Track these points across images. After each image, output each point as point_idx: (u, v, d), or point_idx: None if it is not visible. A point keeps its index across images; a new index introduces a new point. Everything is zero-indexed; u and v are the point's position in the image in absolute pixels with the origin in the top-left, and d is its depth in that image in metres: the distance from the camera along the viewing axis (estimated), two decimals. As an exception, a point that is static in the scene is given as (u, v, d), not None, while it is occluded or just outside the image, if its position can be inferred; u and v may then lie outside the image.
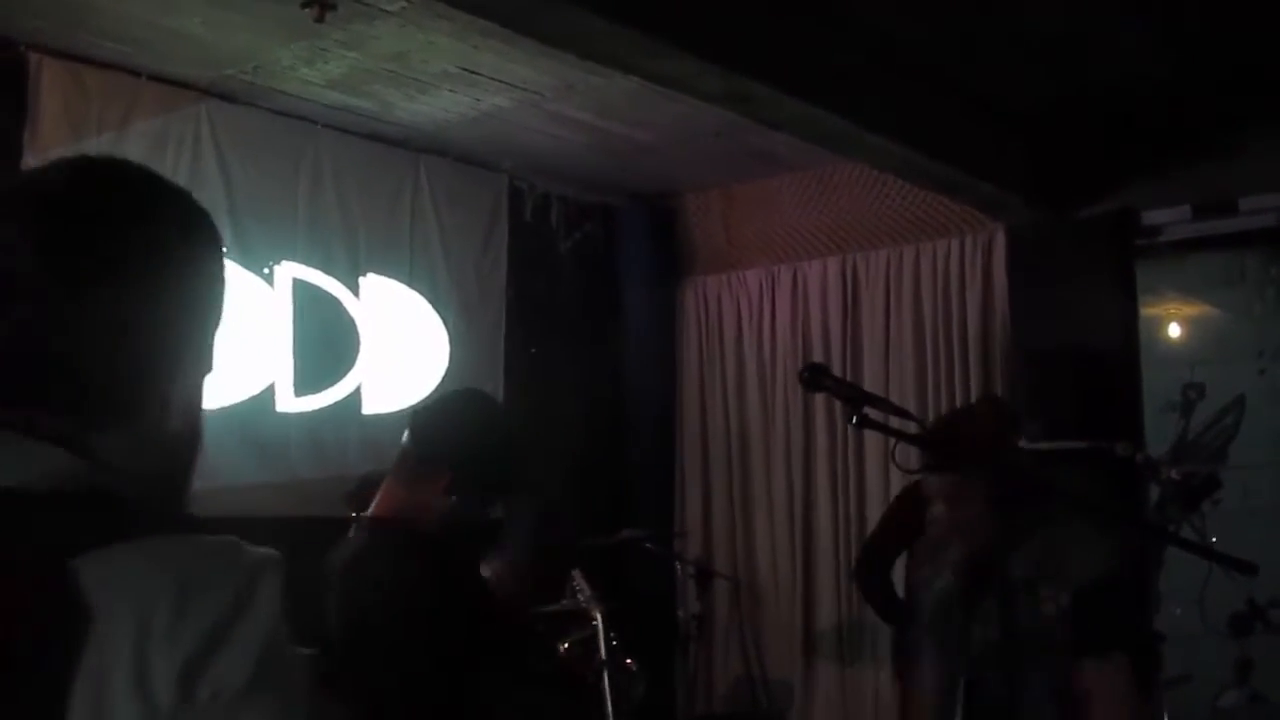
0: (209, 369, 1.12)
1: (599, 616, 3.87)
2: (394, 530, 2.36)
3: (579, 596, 3.93)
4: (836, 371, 5.31)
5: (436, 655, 2.18)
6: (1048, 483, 2.64)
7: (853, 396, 2.16)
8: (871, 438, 5.30)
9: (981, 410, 3.74)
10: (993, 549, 2.72)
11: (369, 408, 5.17)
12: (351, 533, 2.45)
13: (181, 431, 1.09)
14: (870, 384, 5.40)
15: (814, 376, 2.18)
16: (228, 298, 1.14)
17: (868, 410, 2.14)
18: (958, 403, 5.20)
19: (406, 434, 2.45)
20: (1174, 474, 4.00)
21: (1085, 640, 2.66)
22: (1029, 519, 2.67)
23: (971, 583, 2.74)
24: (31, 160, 4.20)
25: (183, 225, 1.09)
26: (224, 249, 1.15)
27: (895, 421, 2.23)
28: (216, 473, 4.59)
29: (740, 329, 6.11)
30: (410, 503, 2.38)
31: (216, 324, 1.12)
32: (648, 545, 5.31)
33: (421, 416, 2.52)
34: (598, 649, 3.84)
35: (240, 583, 0.93)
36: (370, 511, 2.42)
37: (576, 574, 3.94)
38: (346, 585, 2.31)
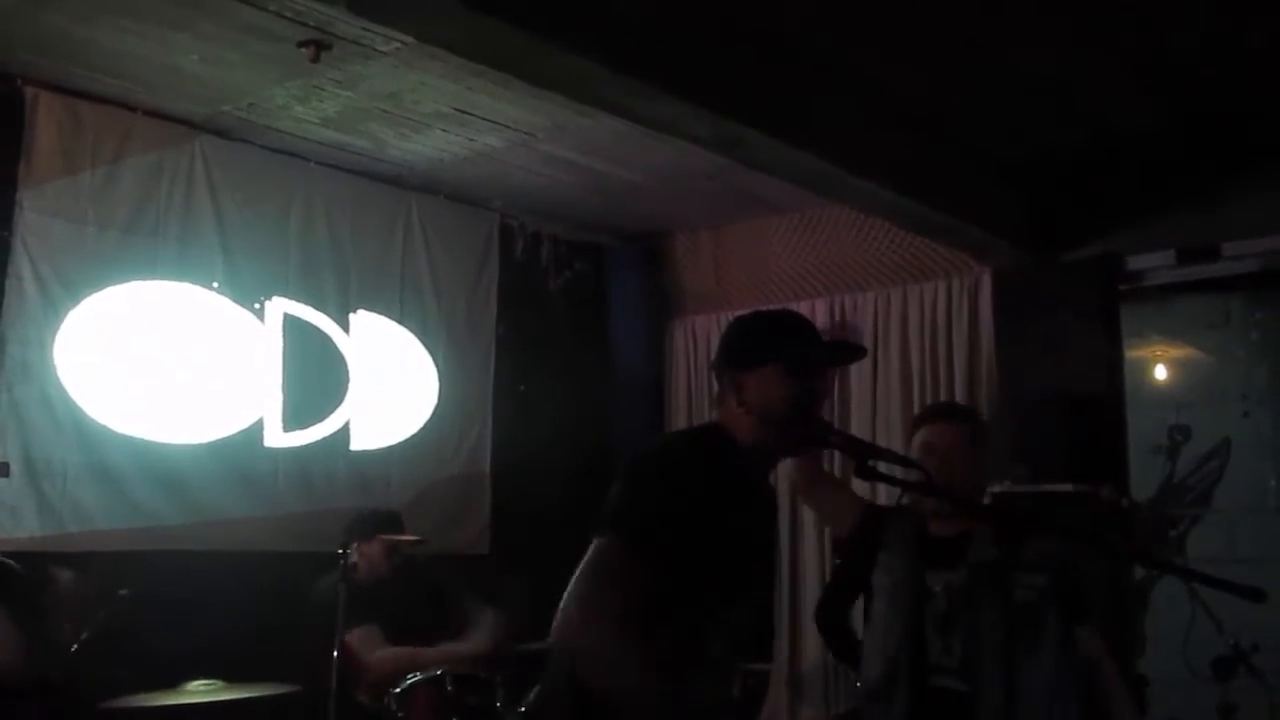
0: None
1: None
2: (696, 429, 2.38)
3: None
4: (823, 413, 5.35)
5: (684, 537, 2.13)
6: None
7: (858, 451, 2.18)
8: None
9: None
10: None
11: (357, 443, 5.17)
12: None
13: None
14: (857, 425, 5.43)
15: (822, 434, 2.19)
16: None
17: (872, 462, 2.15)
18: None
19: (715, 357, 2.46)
20: (1158, 517, 4.02)
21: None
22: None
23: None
24: (26, 193, 4.22)
25: None
26: None
27: (899, 471, 2.24)
28: (204, 507, 4.59)
29: (729, 368, 6.11)
30: (721, 417, 2.37)
31: None
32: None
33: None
34: None
35: None
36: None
37: None
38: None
